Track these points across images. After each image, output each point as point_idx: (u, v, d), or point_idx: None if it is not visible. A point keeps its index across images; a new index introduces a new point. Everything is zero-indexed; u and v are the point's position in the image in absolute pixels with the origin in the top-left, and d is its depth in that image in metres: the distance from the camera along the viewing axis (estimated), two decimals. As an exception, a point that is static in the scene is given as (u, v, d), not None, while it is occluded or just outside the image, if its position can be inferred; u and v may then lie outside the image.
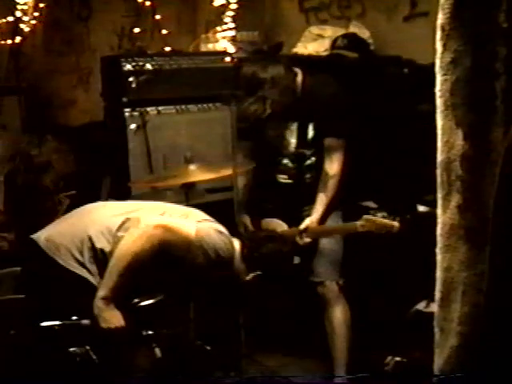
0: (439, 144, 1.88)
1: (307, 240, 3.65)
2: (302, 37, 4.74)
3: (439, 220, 1.91)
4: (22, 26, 6.10)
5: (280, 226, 3.81)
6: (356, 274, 3.83)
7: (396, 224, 3.32)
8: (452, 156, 1.83)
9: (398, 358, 3.14)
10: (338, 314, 3.72)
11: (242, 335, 3.53)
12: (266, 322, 4.00)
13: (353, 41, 4.39)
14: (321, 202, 3.68)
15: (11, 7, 6.03)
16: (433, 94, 1.90)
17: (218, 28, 4.87)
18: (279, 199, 3.83)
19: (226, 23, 4.83)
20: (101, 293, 2.76)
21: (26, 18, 6.09)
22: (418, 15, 4.28)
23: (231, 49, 4.69)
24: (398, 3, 4.42)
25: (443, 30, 1.83)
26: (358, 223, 3.45)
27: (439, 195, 1.90)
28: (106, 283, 2.77)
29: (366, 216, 3.43)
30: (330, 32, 4.61)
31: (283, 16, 5.18)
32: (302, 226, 3.67)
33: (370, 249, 3.72)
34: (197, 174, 3.52)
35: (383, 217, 3.37)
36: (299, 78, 3.69)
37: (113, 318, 2.75)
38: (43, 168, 3.56)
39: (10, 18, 6.11)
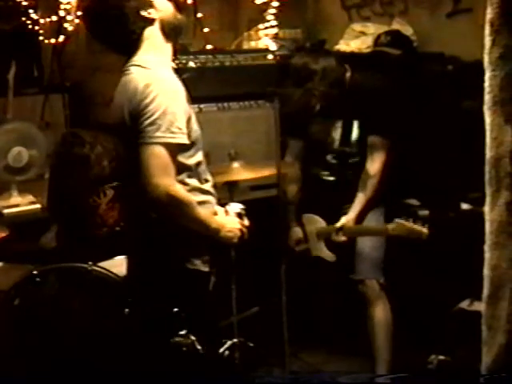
0: (488, 141, 1.85)
1: (343, 238, 3.66)
2: (344, 34, 4.74)
3: (487, 217, 1.88)
4: (65, 25, 6.15)
5: (319, 222, 3.81)
6: (398, 272, 3.82)
7: (425, 231, 3.31)
8: (501, 153, 1.80)
9: (441, 357, 3.12)
10: (379, 312, 3.72)
11: (285, 332, 3.54)
12: (310, 319, 4.00)
13: (396, 38, 4.35)
14: (359, 200, 3.68)
15: (55, 7, 6.10)
16: (477, 91, 1.88)
17: (260, 26, 4.88)
18: (321, 196, 3.83)
19: (268, 21, 4.84)
20: None
21: (69, 17, 6.14)
22: (461, 12, 4.23)
23: (273, 46, 4.69)
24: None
25: (492, 25, 1.80)
26: (390, 226, 3.46)
27: (487, 192, 1.87)
28: None
29: (397, 220, 3.43)
30: (373, 29, 4.59)
31: (325, 13, 5.17)
32: (338, 224, 3.68)
33: (412, 247, 3.70)
34: (241, 172, 3.53)
35: (414, 223, 3.36)
36: (348, 74, 3.69)
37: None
38: (88, 160, 3.57)
39: (54, 18, 6.18)
